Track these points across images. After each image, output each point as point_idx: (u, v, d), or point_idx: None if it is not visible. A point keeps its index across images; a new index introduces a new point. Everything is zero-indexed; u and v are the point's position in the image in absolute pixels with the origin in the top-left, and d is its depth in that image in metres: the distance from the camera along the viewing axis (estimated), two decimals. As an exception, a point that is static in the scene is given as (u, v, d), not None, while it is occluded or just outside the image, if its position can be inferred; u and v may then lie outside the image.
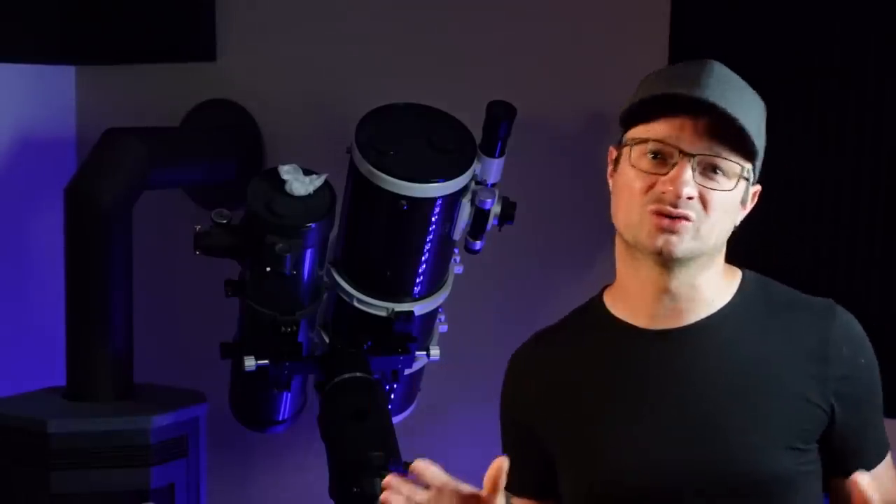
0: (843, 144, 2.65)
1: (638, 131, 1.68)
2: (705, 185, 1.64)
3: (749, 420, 1.66)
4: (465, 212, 2.69)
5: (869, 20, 2.60)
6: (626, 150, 1.69)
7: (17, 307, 3.60)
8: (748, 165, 1.67)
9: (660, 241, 1.64)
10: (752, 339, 1.71)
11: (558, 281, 3.11)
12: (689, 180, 1.62)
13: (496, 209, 2.71)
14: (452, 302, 2.83)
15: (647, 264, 1.69)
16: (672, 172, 1.63)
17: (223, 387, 3.04)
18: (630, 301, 1.75)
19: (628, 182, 1.68)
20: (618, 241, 1.74)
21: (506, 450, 1.88)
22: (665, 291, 1.70)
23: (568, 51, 3.07)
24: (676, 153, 1.64)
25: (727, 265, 1.77)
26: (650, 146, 1.65)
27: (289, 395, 2.91)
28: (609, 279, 1.82)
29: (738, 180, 1.66)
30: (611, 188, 1.73)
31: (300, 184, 2.60)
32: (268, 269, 2.55)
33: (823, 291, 1.78)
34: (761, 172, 1.72)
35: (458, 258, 2.81)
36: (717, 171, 1.64)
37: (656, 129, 1.65)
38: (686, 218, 1.63)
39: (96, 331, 3.05)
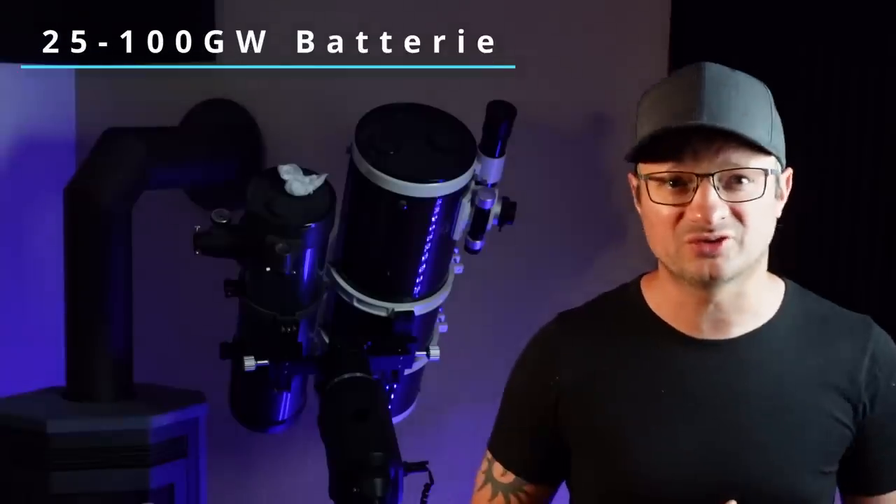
0: (844, 144, 2.65)
1: (649, 167, 1.63)
2: (734, 198, 1.60)
3: (784, 442, 1.64)
4: (465, 212, 2.69)
5: (869, 20, 2.60)
6: (643, 184, 1.65)
7: (17, 307, 3.60)
8: (770, 162, 1.62)
9: (704, 267, 1.61)
10: (791, 356, 1.68)
11: (558, 281, 3.10)
12: (715, 202, 1.58)
13: (496, 209, 2.71)
14: (452, 302, 2.83)
15: (693, 284, 1.65)
16: (696, 199, 1.59)
17: (223, 387, 3.04)
18: (673, 308, 1.70)
19: (656, 214, 1.63)
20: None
21: (506, 423, 1.84)
22: (710, 303, 1.67)
23: (568, 51, 3.07)
24: (694, 177, 1.59)
25: (768, 273, 1.72)
26: (666, 177, 1.61)
27: (289, 395, 2.91)
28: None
29: (765, 180, 1.61)
30: (641, 216, 1.69)
31: (300, 184, 2.60)
32: (268, 269, 2.55)
33: (824, 292, 1.78)
34: (788, 155, 1.67)
35: (458, 258, 2.81)
36: (742, 180, 1.60)
37: (667, 161, 1.61)
38: (726, 237, 1.60)
39: (96, 331, 3.04)
